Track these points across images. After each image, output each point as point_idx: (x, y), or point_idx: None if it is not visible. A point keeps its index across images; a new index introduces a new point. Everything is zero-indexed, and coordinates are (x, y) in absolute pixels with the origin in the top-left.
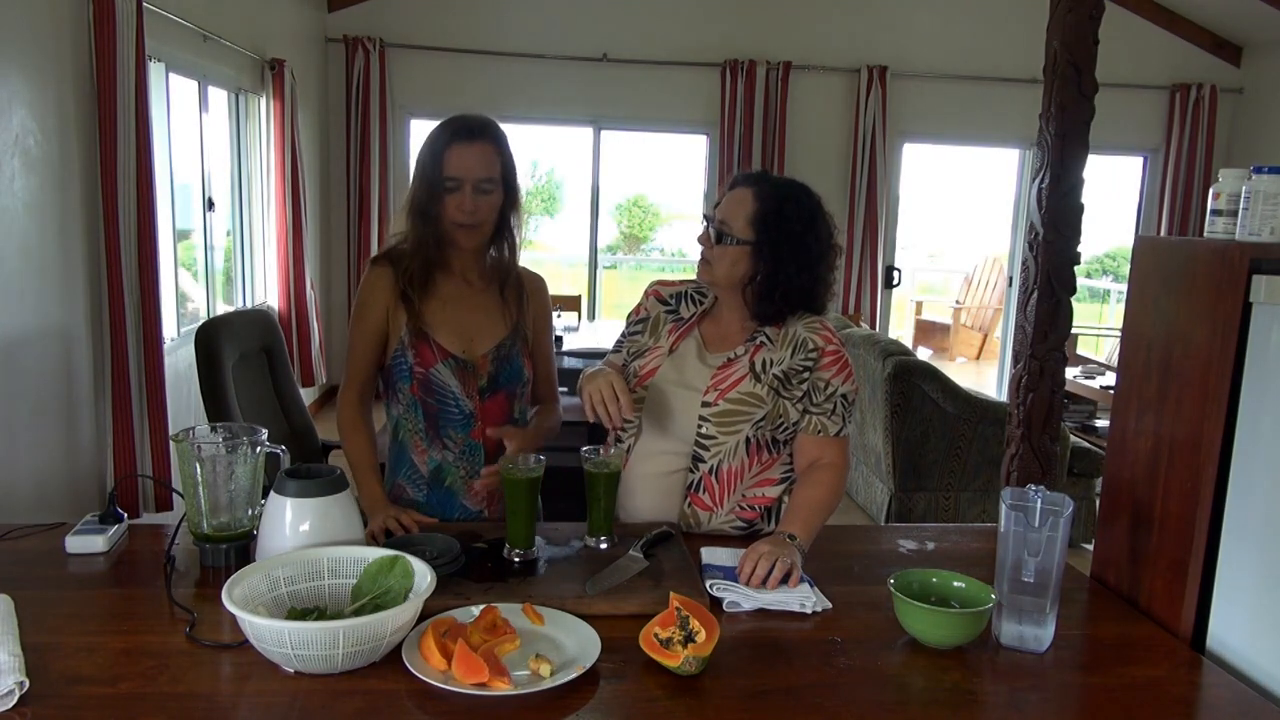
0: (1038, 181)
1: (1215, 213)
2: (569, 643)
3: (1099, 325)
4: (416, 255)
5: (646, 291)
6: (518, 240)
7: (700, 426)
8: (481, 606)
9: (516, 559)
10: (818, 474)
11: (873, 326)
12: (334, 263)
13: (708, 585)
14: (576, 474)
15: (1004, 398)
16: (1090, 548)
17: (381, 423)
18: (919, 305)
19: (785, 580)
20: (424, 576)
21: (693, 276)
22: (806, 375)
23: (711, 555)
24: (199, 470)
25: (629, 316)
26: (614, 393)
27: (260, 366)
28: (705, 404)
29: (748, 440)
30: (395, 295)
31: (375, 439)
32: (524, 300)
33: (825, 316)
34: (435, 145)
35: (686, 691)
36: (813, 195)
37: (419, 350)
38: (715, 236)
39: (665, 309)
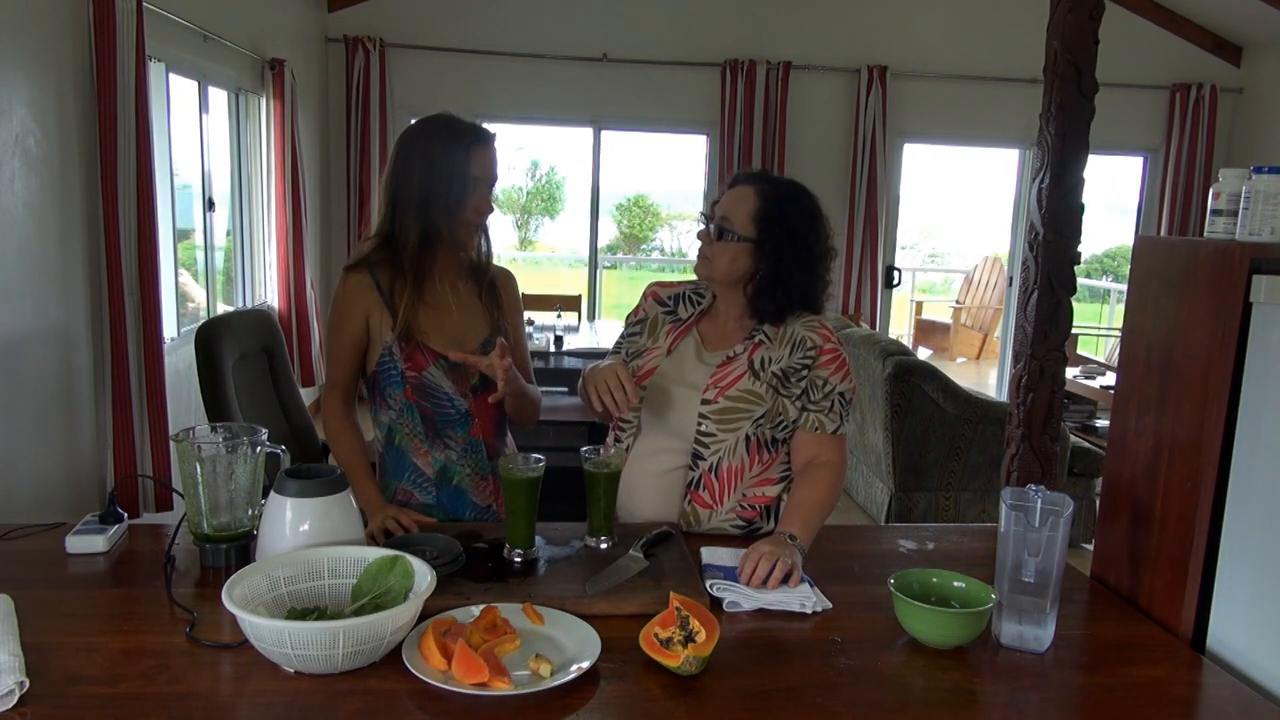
0: (1038, 181)
1: (1215, 213)
2: (569, 643)
3: (1099, 325)
4: (417, 258)
5: (645, 293)
6: (491, 240)
7: (700, 424)
8: (481, 606)
9: (516, 559)
10: (816, 473)
11: (873, 326)
12: (334, 263)
13: (708, 585)
14: (576, 474)
15: (1004, 398)
16: (1090, 548)
17: (370, 434)
18: (919, 305)
19: (785, 580)
20: (424, 576)
21: (693, 278)
22: (805, 373)
23: (711, 555)
24: (199, 470)
25: (628, 318)
26: (619, 381)
27: (260, 366)
28: (705, 401)
29: (747, 438)
30: (376, 302)
31: (364, 440)
32: (498, 296)
33: (824, 316)
34: (456, 146)
35: (686, 691)
36: (812, 196)
37: (410, 355)
38: (716, 233)
39: (663, 310)
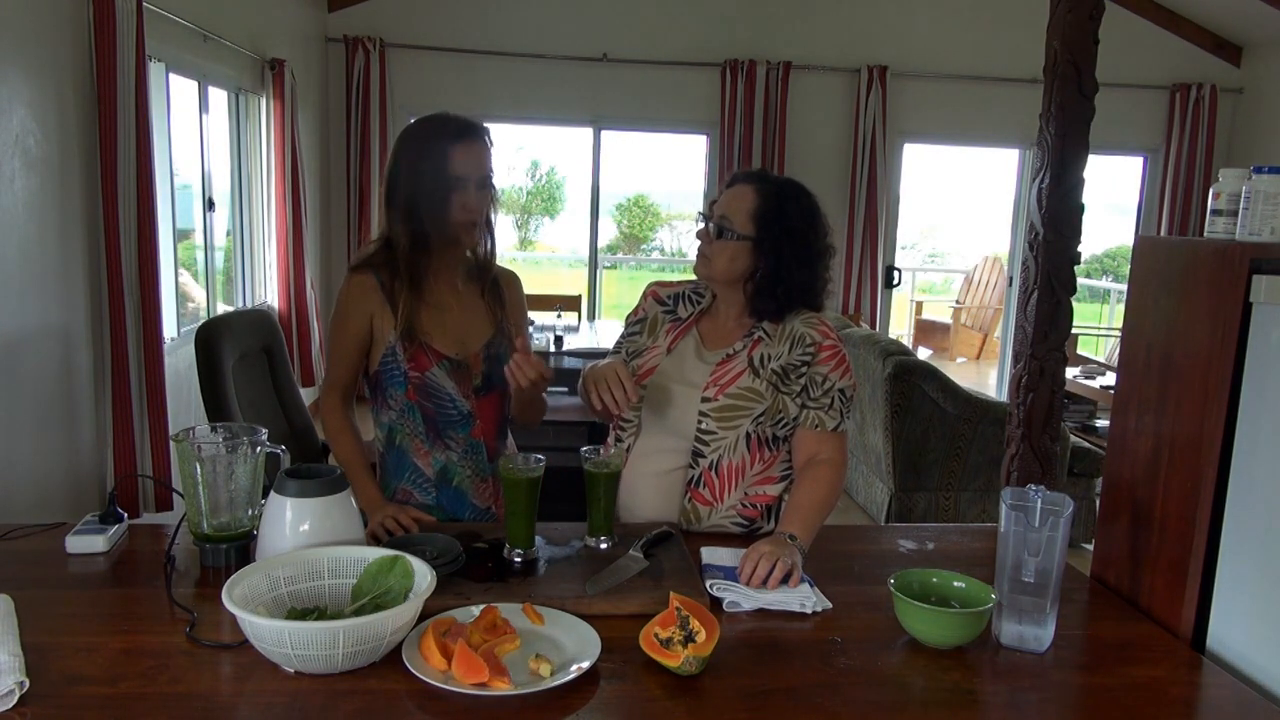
0: (1038, 181)
1: (1215, 213)
2: (569, 643)
3: (1099, 325)
4: (411, 259)
5: (645, 292)
6: (496, 239)
7: (700, 422)
8: (481, 606)
9: (516, 559)
10: (816, 471)
11: (873, 326)
12: (334, 263)
13: (708, 585)
14: (576, 474)
15: (1004, 398)
16: (1090, 548)
17: (370, 434)
18: (919, 305)
19: (785, 580)
20: (424, 576)
21: (692, 278)
22: (804, 370)
23: (712, 555)
24: (199, 470)
25: (628, 318)
26: (619, 380)
27: (260, 366)
28: (705, 399)
29: (748, 436)
30: (380, 302)
31: (362, 440)
32: (502, 297)
33: (823, 314)
34: (435, 145)
35: (686, 691)
36: (811, 194)
37: (413, 355)
38: (715, 232)
39: (663, 309)
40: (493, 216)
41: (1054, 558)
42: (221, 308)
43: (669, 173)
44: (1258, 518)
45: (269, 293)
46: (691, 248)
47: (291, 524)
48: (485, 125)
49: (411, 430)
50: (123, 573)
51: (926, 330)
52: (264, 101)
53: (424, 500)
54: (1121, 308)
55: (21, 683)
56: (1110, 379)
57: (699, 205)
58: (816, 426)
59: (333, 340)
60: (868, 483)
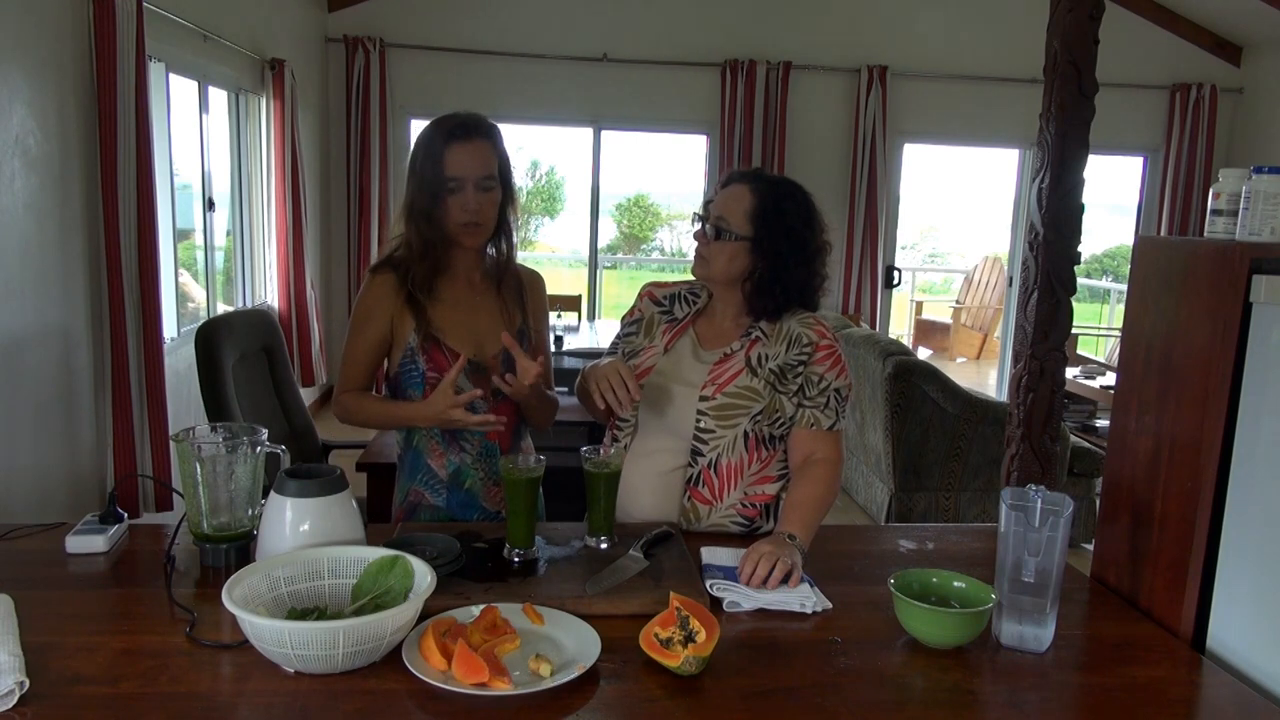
0: (1038, 181)
1: (1215, 213)
2: (569, 643)
3: (1099, 325)
4: (422, 260)
5: (640, 293)
6: (515, 238)
7: (698, 421)
8: (481, 606)
9: (516, 559)
10: (813, 470)
11: (873, 326)
12: (334, 263)
13: (708, 585)
14: (576, 474)
15: (1004, 398)
16: (1090, 548)
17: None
18: (919, 305)
19: (785, 580)
20: (424, 576)
21: (689, 278)
22: (800, 369)
23: (712, 555)
24: (199, 470)
25: (624, 318)
26: (621, 378)
27: (260, 366)
28: (703, 398)
29: (745, 435)
30: (400, 303)
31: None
32: (523, 298)
33: (820, 313)
34: (432, 147)
35: (686, 691)
36: (807, 193)
37: (432, 356)
38: (713, 233)
39: (659, 310)
40: (510, 216)
41: (1054, 558)
42: (221, 308)
43: (669, 173)
44: (1258, 518)
45: (269, 293)
46: (692, 247)
47: (291, 524)
48: (491, 124)
49: (428, 431)
50: (123, 573)
51: (926, 330)
52: (264, 101)
53: (434, 502)
54: (1121, 308)
55: (21, 683)
56: (1110, 379)
57: (699, 205)
58: (812, 425)
59: (351, 342)
60: (868, 483)
